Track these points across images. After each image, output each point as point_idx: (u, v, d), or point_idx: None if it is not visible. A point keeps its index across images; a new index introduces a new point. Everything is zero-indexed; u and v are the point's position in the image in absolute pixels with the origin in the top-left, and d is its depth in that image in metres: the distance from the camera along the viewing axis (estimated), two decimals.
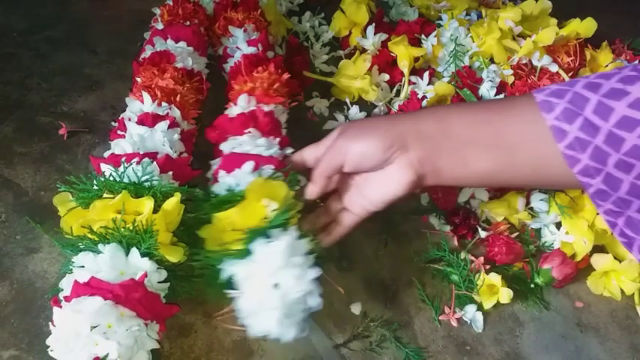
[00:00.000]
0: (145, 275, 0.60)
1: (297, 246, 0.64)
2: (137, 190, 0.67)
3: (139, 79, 0.89)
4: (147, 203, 0.65)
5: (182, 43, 0.98)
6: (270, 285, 0.61)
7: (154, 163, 0.71)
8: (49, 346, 0.56)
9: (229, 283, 0.65)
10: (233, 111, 0.87)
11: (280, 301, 0.60)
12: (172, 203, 0.65)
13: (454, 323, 0.74)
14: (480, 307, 0.76)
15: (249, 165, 0.74)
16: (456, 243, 0.84)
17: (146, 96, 0.83)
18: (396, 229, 0.86)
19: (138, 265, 0.60)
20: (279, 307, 0.60)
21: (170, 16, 1.06)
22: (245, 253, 0.64)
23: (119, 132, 0.80)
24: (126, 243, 0.61)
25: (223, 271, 0.64)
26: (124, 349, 0.55)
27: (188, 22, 1.05)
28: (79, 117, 0.98)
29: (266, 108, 0.86)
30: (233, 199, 0.70)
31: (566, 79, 1.05)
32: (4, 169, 0.86)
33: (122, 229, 0.61)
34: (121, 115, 0.84)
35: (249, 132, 0.81)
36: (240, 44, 1.03)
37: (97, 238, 0.61)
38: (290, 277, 0.61)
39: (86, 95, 1.03)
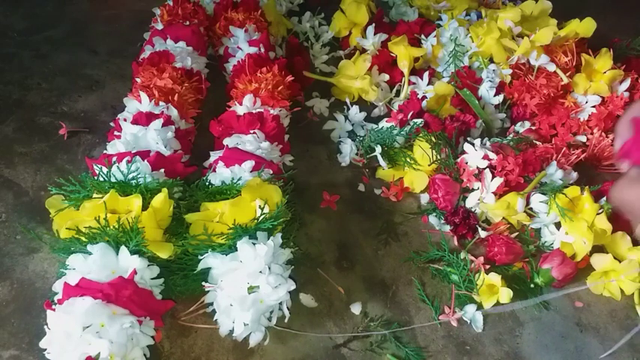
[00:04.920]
0: (135, 272, 0.60)
1: (279, 254, 0.65)
2: (124, 188, 0.67)
3: (138, 80, 0.89)
4: (135, 201, 0.65)
5: (181, 43, 0.98)
6: (247, 286, 0.62)
7: (145, 161, 0.71)
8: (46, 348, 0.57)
9: (205, 275, 0.65)
10: (239, 109, 0.88)
11: (254, 304, 0.61)
12: (160, 199, 0.66)
13: (454, 323, 0.74)
14: (479, 307, 0.76)
15: (248, 164, 0.75)
16: (455, 243, 0.84)
17: (144, 96, 0.84)
18: (396, 229, 0.86)
19: (128, 262, 0.61)
20: (252, 311, 0.61)
21: (170, 16, 1.07)
22: (228, 249, 0.65)
23: (115, 132, 0.81)
24: (114, 241, 0.62)
25: (203, 261, 0.65)
26: (116, 347, 0.55)
27: (188, 22, 1.05)
28: (79, 117, 0.98)
29: (272, 111, 0.87)
30: (229, 191, 0.71)
31: (564, 78, 1.05)
32: (4, 169, 0.86)
33: (108, 228, 0.62)
34: (118, 116, 0.84)
35: (255, 133, 0.81)
36: (241, 44, 1.03)
37: (84, 239, 0.62)
38: (268, 284, 0.62)
39: (86, 95, 1.03)
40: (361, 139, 0.97)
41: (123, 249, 0.61)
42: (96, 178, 0.69)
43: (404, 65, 1.08)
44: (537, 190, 0.86)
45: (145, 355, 0.60)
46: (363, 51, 1.13)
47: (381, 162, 0.91)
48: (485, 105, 1.05)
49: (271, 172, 0.76)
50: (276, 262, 0.64)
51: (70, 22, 1.23)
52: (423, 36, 1.15)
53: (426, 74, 1.08)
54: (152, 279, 0.63)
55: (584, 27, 1.11)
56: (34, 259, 0.74)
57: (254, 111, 0.86)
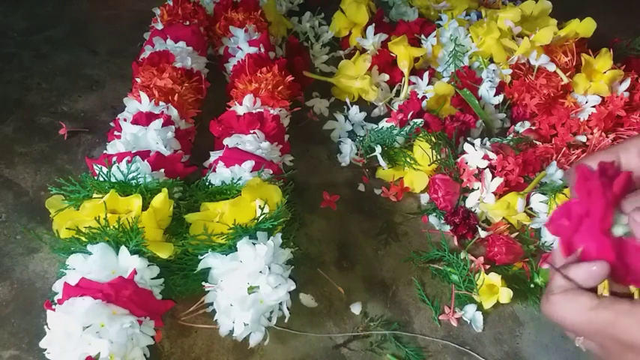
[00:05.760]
0: (135, 272, 0.60)
1: (279, 254, 0.65)
2: (124, 188, 0.67)
3: (138, 80, 0.89)
4: (135, 201, 0.65)
5: (181, 43, 0.98)
6: (247, 286, 0.62)
7: (145, 161, 0.71)
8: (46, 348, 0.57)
9: (205, 275, 0.65)
10: (239, 109, 0.88)
11: (254, 305, 0.61)
12: (160, 199, 0.66)
13: (454, 323, 0.74)
14: (479, 307, 0.76)
15: (248, 164, 0.75)
16: (455, 243, 0.84)
17: (144, 96, 0.84)
18: (396, 229, 0.86)
19: (128, 262, 0.61)
20: (252, 311, 0.61)
21: (170, 16, 1.07)
22: (228, 249, 0.65)
23: (115, 132, 0.81)
24: (114, 241, 0.62)
25: (203, 261, 0.65)
26: (116, 346, 0.55)
27: (188, 22, 1.05)
28: (79, 117, 0.98)
29: (272, 111, 0.87)
30: (229, 191, 0.71)
31: (564, 78, 1.05)
32: (4, 169, 0.86)
33: (108, 228, 0.62)
34: (118, 116, 0.84)
35: (255, 133, 0.81)
36: (241, 44, 1.03)
37: (84, 239, 0.62)
38: (268, 284, 0.62)
39: (86, 95, 1.04)
40: (361, 139, 0.97)
41: (123, 249, 0.61)
42: (96, 178, 0.69)
43: (404, 65, 1.08)
44: (537, 190, 0.86)
45: (145, 355, 0.59)
46: (363, 51, 1.13)
47: (381, 162, 0.91)
48: (485, 105, 1.05)
49: (271, 172, 0.76)
50: (276, 262, 0.64)
51: (70, 22, 1.23)
52: (423, 36, 1.15)
53: (426, 74, 1.08)
54: (152, 279, 0.63)
55: (584, 27, 1.11)
56: (34, 259, 0.74)
57: (254, 111, 0.86)
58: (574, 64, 1.10)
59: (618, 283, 0.37)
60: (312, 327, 0.71)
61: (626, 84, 1.05)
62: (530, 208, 0.85)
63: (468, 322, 0.74)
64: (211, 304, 0.65)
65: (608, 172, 0.36)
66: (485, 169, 0.86)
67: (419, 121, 0.93)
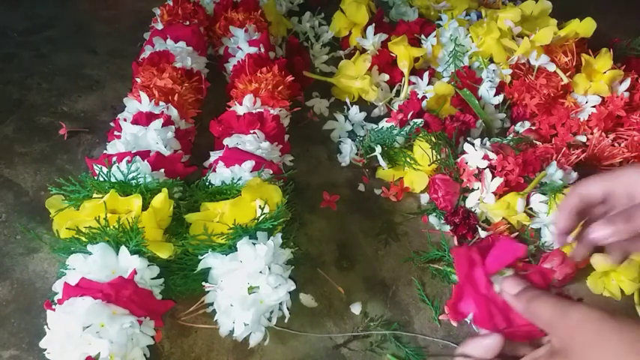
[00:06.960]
0: (135, 272, 0.60)
1: (279, 254, 0.65)
2: (124, 188, 0.67)
3: (138, 80, 0.89)
4: (135, 201, 0.65)
5: (181, 43, 0.98)
6: (247, 286, 0.62)
7: (145, 161, 0.71)
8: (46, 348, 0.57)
9: (205, 275, 0.65)
10: (239, 109, 0.88)
11: (254, 305, 0.61)
12: (160, 199, 0.66)
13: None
14: None
15: (248, 164, 0.75)
16: (455, 243, 0.84)
17: (144, 96, 0.84)
18: (396, 229, 0.86)
19: (128, 262, 0.61)
20: (252, 311, 0.61)
21: (170, 16, 1.07)
22: (228, 249, 0.65)
23: (115, 132, 0.81)
24: (114, 241, 0.62)
25: (203, 261, 0.65)
26: (117, 346, 0.55)
27: (188, 22, 1.05)
28: (79, 117, 0.98)
29: (272, 111, 0.87)
30: (229, 191, 0.71)
31: (564, 78, 1.05)
32: (4, 169, 0.86)
33: (108, 228, 0.62)
34: (118, 116, 0.84)
35: (255, 133, 0.81)
36: (241, 44, 1.03)
37: (84, 239, 0.62)
38: (268, 284, 0.62)
39: (86, 95, 1.04)
40: (361, 139, 0.97)
41: (123, 249, 0.61)
42: (96, 178, 0.69)
43: (404, 65, 1.09)
44: (537, 190, 0.86)
45: (145, 355, 0.60)
46: (363, 51, 1.13)
47: (381, 162, 0.91)
48: (485, 105, 1.05)
49: (271, 172, 0.76)
50: (276, 262, 0.64)
51: (70, 22, 1.23)
52: (423, 36, 1.15)
53: (426, 74, 1.08)
54: (152, 279, 0.63)
55: (584, 27, 1.11)
56: (34, 259, 0.74)
57: (254, 111, 0.86)
58: (574, 64, 1.10)
59: (524, 342, 0.42)
60: (312, 327, 0.71)
61: (626, 84, 1.05)
62: (530, 209, 0.85)
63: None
64: (211, 304, 0.65)
65: (484, 246, 0.45)
66: (485, 169, 0.85)
67: (419, 121, 0.93)
